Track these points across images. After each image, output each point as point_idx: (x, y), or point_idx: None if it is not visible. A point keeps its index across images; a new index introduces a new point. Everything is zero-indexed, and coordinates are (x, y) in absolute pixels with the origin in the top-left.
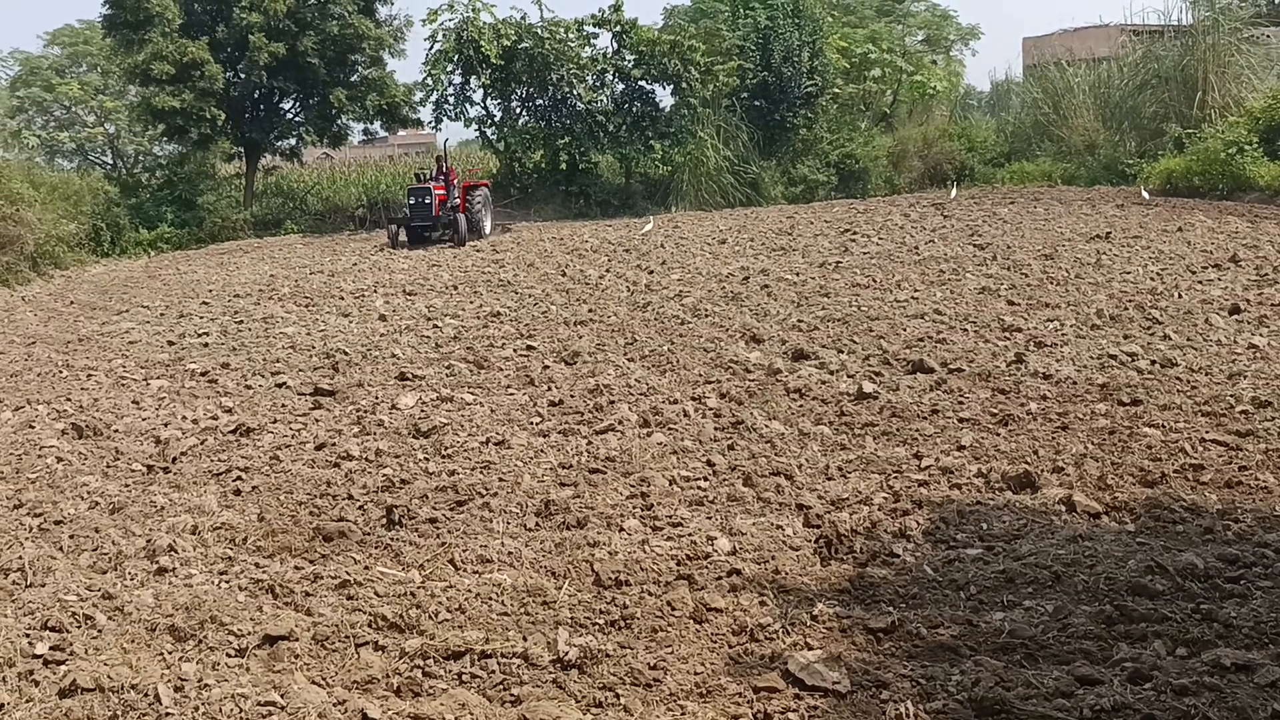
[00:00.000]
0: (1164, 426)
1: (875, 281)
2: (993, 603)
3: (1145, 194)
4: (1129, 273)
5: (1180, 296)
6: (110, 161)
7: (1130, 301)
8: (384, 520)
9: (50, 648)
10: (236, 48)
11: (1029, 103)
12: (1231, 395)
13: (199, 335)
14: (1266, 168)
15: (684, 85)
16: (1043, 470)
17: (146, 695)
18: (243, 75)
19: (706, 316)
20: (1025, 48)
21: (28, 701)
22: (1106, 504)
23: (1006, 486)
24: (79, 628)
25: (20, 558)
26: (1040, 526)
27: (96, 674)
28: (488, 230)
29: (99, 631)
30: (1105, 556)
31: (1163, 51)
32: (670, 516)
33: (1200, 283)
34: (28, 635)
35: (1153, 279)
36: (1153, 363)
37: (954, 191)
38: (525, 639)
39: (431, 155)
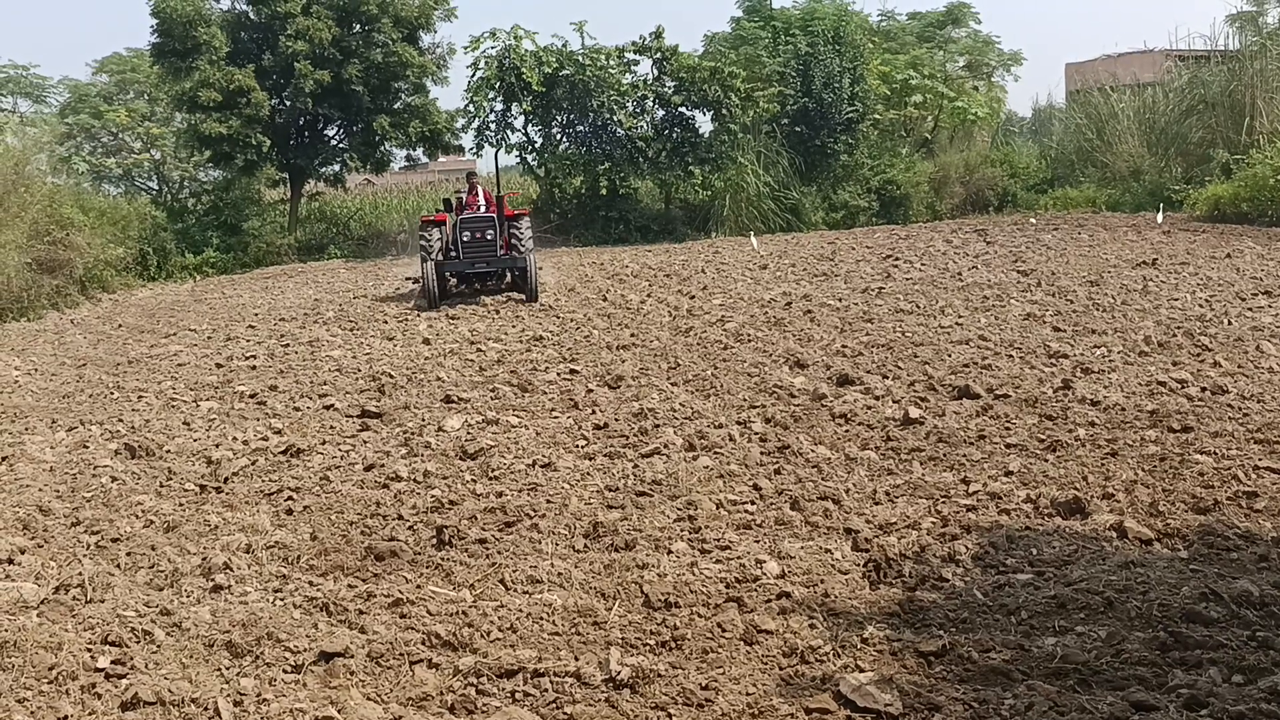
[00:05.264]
0: (1216, 454)
1: (919, 307)
2: (1044, 628)
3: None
4: (1177, 299)
5: (1230, 323)
6: (155, 187)
7: (1179, 328)
8: (434, 540)
9: (111, 662)
10: (282, 75)
11: (1072, 128)
12: None
13: (246, 358)
14: None
15: (724, 111)
16: (1093, 496)
17: (207, 709)
18: (288, 102)
19: (749, 341)
20: (1068, 73)
21: (90, 714)
22: (1158, 530)
23: (1056, 512)
24: (138, 643)
25: (80, 574)
26: (1091, 552)
27: (157, 688)
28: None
29: (158, 647)
30: (1158, 583)
31: (1209, 77)
32: (718, 539)
33: (1250, 310)
34: (89, 649)
35: (1201, 306)
36: (1203, 390)
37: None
38: (577, 658)
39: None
